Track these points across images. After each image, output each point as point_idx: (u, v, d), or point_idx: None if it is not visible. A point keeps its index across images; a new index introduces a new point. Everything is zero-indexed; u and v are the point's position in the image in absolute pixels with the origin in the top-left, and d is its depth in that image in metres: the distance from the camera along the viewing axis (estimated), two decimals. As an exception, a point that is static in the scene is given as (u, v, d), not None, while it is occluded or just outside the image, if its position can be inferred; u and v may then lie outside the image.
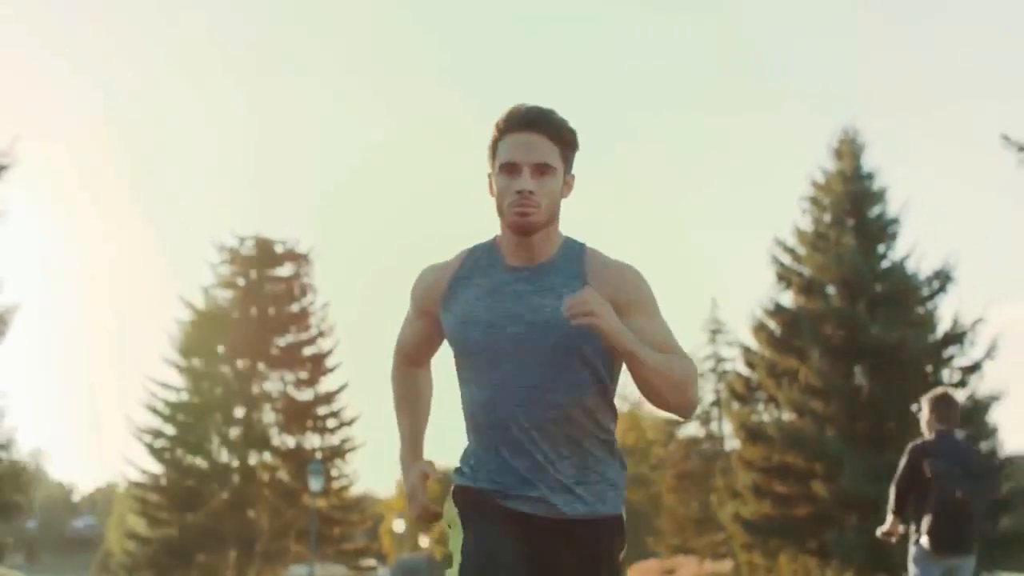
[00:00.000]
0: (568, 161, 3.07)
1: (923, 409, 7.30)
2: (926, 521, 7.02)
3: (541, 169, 3.00)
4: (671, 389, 2.91)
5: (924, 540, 7.03)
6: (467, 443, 3.18)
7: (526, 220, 2.99)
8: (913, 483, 7.07)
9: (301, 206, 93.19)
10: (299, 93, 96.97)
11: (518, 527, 3.02)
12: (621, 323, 2.87)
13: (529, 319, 3.01)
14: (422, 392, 3.38)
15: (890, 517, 7.18)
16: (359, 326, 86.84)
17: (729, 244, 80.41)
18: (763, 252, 29.90)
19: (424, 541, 58.50)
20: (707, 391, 41.82)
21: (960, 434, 7.49)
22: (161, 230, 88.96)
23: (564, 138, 3.04)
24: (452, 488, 3.14)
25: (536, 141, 3.00)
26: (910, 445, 7.29)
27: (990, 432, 27.32)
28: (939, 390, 7.29)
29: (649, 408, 58.67)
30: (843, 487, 26.74)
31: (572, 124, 3.09)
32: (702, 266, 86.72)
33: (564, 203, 3.09)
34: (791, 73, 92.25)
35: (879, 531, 7.23)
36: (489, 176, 3.10)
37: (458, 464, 3.18)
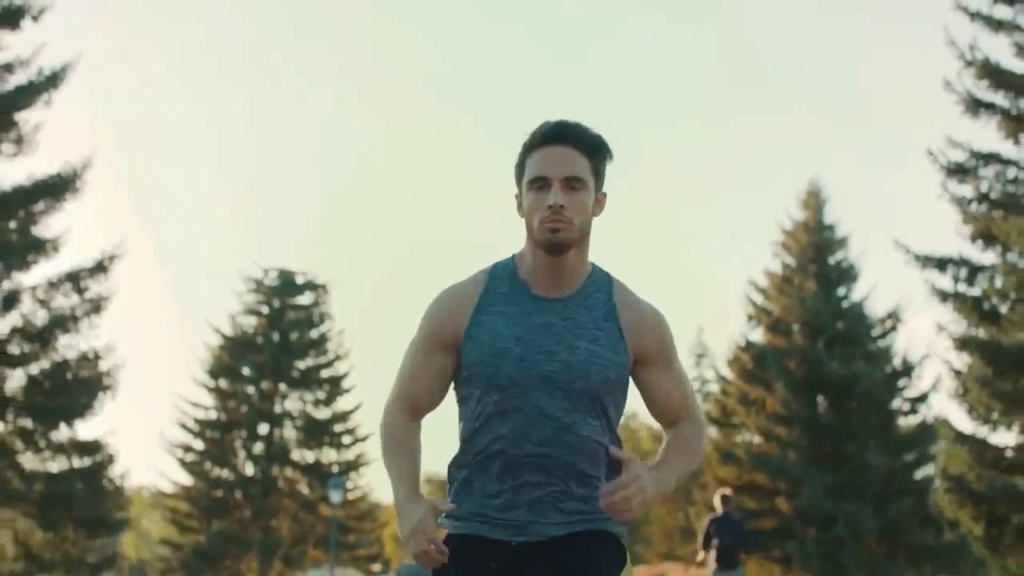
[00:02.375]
0: (599, 176, 3.05)
1: (715, 499, 15.14)
2: (713, 554, 14.70)
3: (572, 183, 2.97)
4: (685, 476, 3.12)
5: (713, 565, 14.72)
6: (454, 480, 3.15)
7: (557, 236, 2.96)
8: (707, 536, 14.76)
9: (303, 214, 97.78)
10: (299, 98, 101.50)
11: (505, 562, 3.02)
12: (653, 481, 2.92)
13: (563, 358, 2.99)
14: (417, 446, 3.19)
15: (701, 552, 14.97)
16: (372, 352, 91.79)
17: (729, 252, 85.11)
18: (762, 259, 35.33)
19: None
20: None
21: (735, 511, 15.41)
22: (160, 233, 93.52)
23: (595, 150, 3.02)
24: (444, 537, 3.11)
25: (566, 154, 2.98)
26: (707, 517, 14.96)
27: (931, 457, 32.65)
28: (722, 490, 14.32)
29: (644, 419, 63.84)
30: (803, 504, 32.02)
31: (600, 133, 3.06)
32: (701, 274, 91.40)
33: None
34: (792, 82, 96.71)
35: (696, 559, 15.73)
36: (517, 197, 3.08)
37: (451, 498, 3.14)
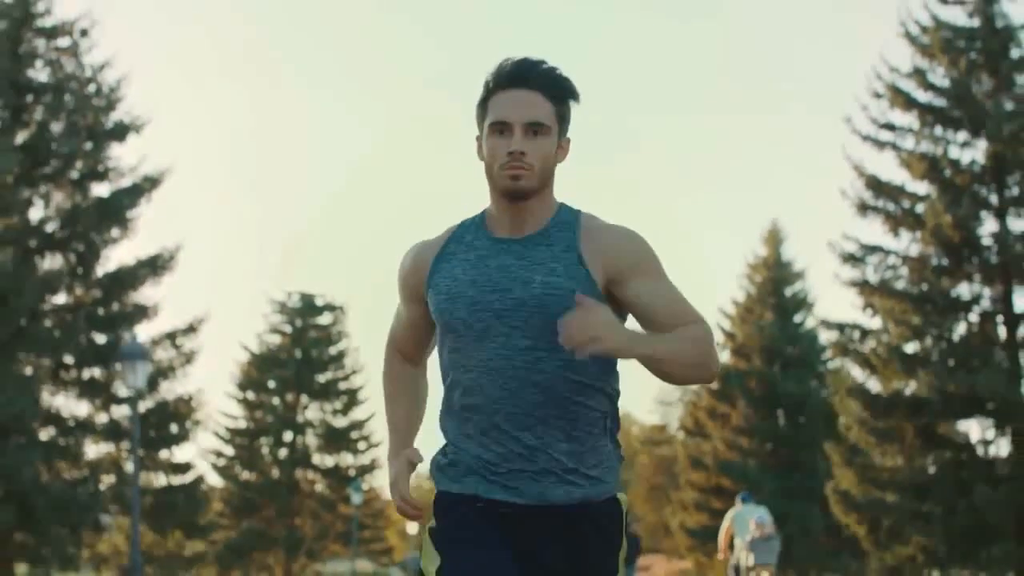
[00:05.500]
0: (564, 120, 3.15)
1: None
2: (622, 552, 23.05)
3: (534, 128, 3.07)
4: (690, 370, 3.08)
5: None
6: (445, 437, 3.27)
7: (517, 184, 3.07)
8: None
9: (303, 215, 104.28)
10: (300, 99, 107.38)
11: (503, 533, 3.12)
12: (625, 331, 2.96)
13: (517, 294, 3.09)
14: (418, 389, 3.46)
15: None
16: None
17: (729, 246, 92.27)
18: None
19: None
20: (675, 419, 55.29)
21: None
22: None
23: (559, 94, 3.12)
24: (435, 495, 3.24)
25: (529, 98, 3.08)
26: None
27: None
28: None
29: (637, 417, 71.63)
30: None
31: (569, 76, 3.15)
32: (702, 269, 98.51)
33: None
34: (791, 74, 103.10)
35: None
36: (478, 139, 3.18)
37: (435, 463, 3.28)
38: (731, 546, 18.05)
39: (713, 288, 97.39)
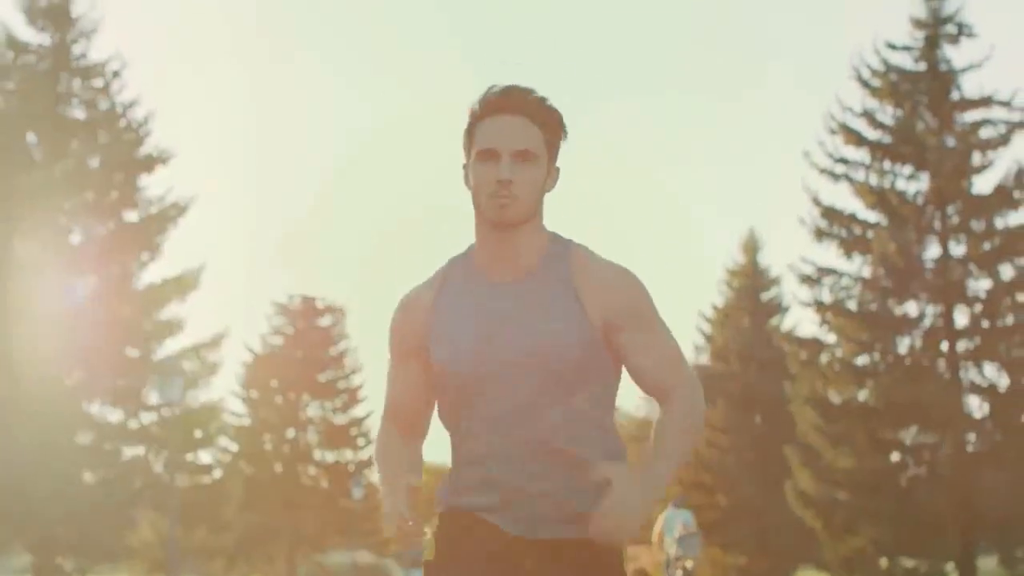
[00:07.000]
0: (553, 148, 3.17)
1: None
2: None
3: (523, 155, 3.09)
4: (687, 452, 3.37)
5: None
6: (451, 474, 3.33)
7: (505, 213, 3.10)
8: None
9: (302, 203, 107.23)
10: (306, 79, 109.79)
11: (500, 550, 3.18)
12: (644, 490, 3.02)
13: (518, 344, 3.13)
14: (408, 460, 3.36)
15: None
16: (381, 366, 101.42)
17: (724, 225, 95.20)
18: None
19: (427, 532, 75.85)
20: (660, 414, 59.32)
21: None
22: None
23: (547, 120, 3.14)
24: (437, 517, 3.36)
25: (516, 124, 3.10)
26: None
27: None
28: None
29: (626, 411, 75.36)
30: (739, 499, 44.21)
31: (556, 105, 3.15)
32: (701, 249, 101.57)
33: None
34: (780, 51, 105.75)
35: None
36: (464, 168, 3.19)
37: (442, 491, 3.35)
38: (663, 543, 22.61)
39: (698, 291, 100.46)
